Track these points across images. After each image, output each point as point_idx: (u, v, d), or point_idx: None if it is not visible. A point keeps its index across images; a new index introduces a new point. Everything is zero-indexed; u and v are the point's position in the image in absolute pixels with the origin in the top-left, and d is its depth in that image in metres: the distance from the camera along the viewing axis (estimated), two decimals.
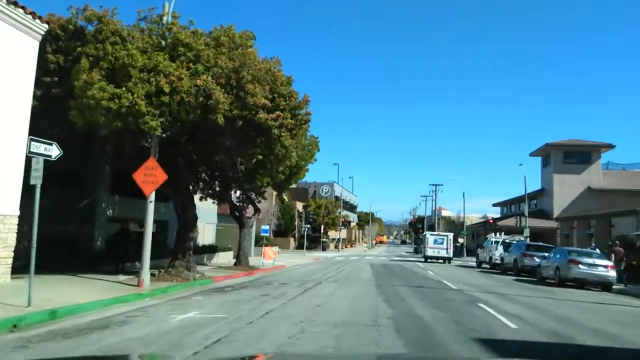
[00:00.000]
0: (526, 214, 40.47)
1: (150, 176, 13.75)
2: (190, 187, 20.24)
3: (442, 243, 35.61)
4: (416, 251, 66.57)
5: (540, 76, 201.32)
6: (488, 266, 31.16)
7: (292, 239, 56.60)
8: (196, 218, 16.67)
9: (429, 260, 35.89)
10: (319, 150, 22.05)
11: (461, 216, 66.22)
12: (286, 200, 58.15)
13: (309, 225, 44.79)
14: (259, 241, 36.76)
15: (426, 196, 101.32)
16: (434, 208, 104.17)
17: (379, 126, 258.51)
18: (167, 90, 12.63)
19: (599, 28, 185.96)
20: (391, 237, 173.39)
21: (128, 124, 12.85)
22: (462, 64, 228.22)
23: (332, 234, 62.48)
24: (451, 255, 35.83)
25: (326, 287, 15.36)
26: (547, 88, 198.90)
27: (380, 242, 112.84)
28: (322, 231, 52.65)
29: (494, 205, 77.26)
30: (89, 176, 18.67)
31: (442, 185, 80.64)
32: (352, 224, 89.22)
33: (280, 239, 55.85)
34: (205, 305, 10.81)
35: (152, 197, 13.92)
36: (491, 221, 49.96)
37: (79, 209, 18.38)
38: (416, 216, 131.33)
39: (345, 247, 71.58)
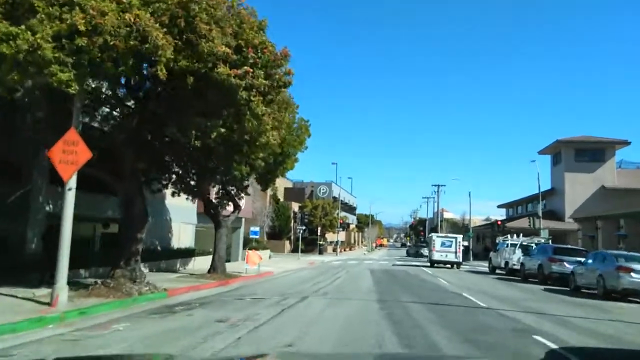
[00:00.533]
0: (540, 214, 36.59)
1: (70, 154, 9.95)
2: (158, 180, 16.53)
3: (450, 246, 31.60)
4: (407, 254, 63.20)
5: (546, 68, 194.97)
6: (503, 272, 27.25)
7: (287, 242, 52.69)
8: (146, 215, 12.77)
9: (435, 265, 31.90)
10: (309, 136, 18.26)
11: (466, 218, 62.25)
12: (281, 200, 54.24)
13: (304, 227, 40.76)
14: (248, 244, 32.89)
15: (428, 198, 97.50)
16: (435, 210, 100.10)
17: (377, 121, 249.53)
18: (83, 29, 8.78)
19: (609, 25, 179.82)
20: (391, 240, 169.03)
21: (30, 76, 9.03)
22: (462, 63, 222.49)
23: (330, 236, 58.55)
24: (460, 260, 31.83)
25: (312, 304, 11.45)
26: (553, 83, 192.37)
27: (381, 245, 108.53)
28: (318, 233, 48.70)
29: (499, 206, 73.43)
30: (20, 162, 14.78)
31: (444, 185, 76.64)
32: (352, 227, 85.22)
33: (274, 242, 51.91)
34: (118, 340, 6.92)
35: (73, 183, 10.06)
36: (499, 222, 46.07)
37: (9, 203, 14.51)
38: (417, 218, 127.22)
39: (344, 250, 67.59)
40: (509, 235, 27.90)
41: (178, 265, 20.61)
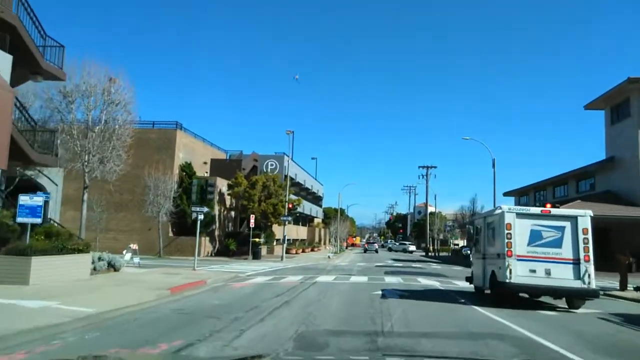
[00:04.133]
0: None
1: None
2: None
3: (559, 244, 10.35)
4: (365, 251, 49.80)
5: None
6: None
7: (206, 240, 31.94)
8: None
9: (511, 295, 10.45)
10: None
11: (475, 212, 42.08)
12: (205, 175, 33.45)
13: (204, 208, 19.64)
14: (20, 237, 12.06)
15: (409, 187, 78.08)
16: (418, 202, 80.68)
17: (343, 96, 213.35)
18: None
19: None
20: (363, 240, 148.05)
21: None
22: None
23: (281, 231, 37.80)
24: (593, 284, 9.90)
25: None
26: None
27: (353, 245, 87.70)
28: (250, 225, 28.11)
29: (505, 194, 54.61)
30: None
31: (435, 167, 57.05)
32: (316, 221, 64.76)
33: (184, 240, 30.98)
34: None
35: None
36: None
37: None
38: (394, 214, 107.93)
39: (304, 251, 47.03)
40: None
41: None
